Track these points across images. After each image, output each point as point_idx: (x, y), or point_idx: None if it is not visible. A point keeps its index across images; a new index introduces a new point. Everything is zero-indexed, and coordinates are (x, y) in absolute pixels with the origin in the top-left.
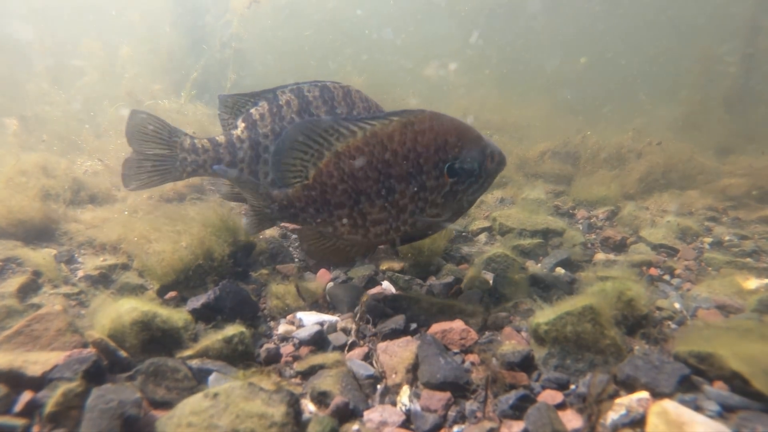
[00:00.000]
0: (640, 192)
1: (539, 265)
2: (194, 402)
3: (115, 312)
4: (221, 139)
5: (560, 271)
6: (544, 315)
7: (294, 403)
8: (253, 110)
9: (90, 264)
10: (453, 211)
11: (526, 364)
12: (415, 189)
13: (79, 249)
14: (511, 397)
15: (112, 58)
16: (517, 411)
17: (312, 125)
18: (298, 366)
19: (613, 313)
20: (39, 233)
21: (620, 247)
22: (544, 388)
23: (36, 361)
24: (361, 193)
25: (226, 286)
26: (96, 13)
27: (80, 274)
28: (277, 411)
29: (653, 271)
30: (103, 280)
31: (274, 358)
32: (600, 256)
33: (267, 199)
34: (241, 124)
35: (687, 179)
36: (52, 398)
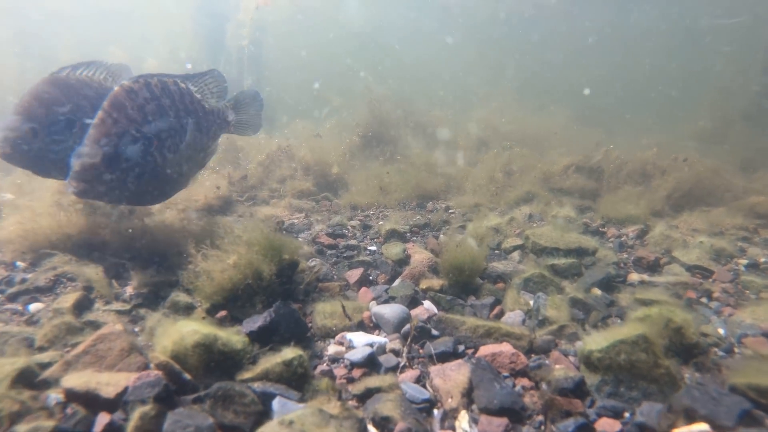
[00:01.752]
0: (667, 209)
1: (574, 285)
2: (271, 429)
3: (177, 334)
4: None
5: (596, 291)
6: (596, 342)
7: (363, 430)
8: None
9: (138, 280)
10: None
11: (578, 390)
12: None
13: (126, 263)
14: (570, 424)
15: (137, 66)
16: None
17: None
18: (354, 388)
19: (663, 341)
20: (88, 247)
21: (654, 267)
22: (599, 415)
23: (108, 383)
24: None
25: (280, 308)
26: (120, 19)
27: (129, 290)
28: None
29: (690, 294)
30: (152, 297)
31: (329, 380)
32: (634, 276)
33: None
34: None
35: (714, 197)
36: (131, 422)
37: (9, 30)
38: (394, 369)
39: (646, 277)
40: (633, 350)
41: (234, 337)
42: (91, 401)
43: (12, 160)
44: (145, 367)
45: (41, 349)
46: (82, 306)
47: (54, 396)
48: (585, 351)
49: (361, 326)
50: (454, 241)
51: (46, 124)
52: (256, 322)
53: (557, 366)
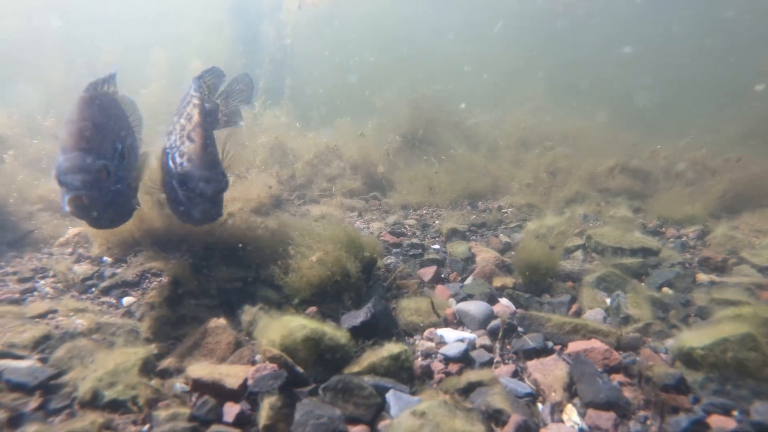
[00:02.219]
0: (721, 210)
1: (644, 284)
2: (407, 420)
3: (284, 328)
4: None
5: (667, 291)
6: (697, 339)
7: (487, 422)
8: None
9: (221, 275)
10: None
11: (680, 386)
12: None
13: (206, 259)
14: (683, 420)
15: (180, 70)
16: None
17: None
18: (455, 382)
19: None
20: (166, 243)
21: (722, 268)
22: (707, 412)
23: (229, 374)
24: None
25: (377, 304)
26: (158, 23)
27: (213, 286)
28: (479, 429)
29: (767, 295)
30: (236, 292)
31: (428, 374)
32: (702, 276)
33: None
34: None
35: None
36: (263, 411)
37: (55, 36)
38: (488, 364)
39: (715, 277)
40: (740, 348)
41: (338, 332)
42: (217, 391)
43: (91, 211)
44: (254, 360)
45: (148, 341)
46: (173, 300)
47: (179, 385)
48: (684, 348)
49: (445, 323)
50: (528, 240)
51: (111, 157)
52: (357, 317)
53: (650, 362)
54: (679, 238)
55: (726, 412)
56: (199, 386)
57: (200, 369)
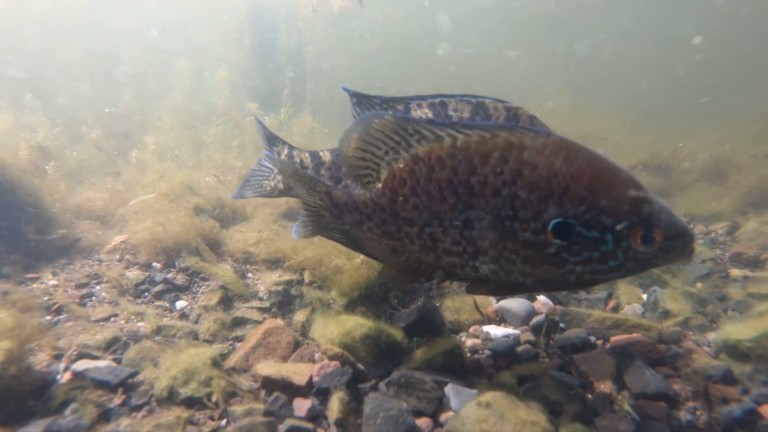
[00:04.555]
0: (748, 206)
1: (678, 280)
2: (474, 411)
3: (342, 327)
4: (326, 157)
5: (699, 286)
6: (743, 332)
7: (546, 411)
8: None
9: (267, 279)
10: (554, 280)
11: (727, 378)
12: (499, 235)
13: (246, 265)
14: (735, 409)
15: (201, 79)
16: (743, 423)
17: (392, 119)
18: (506, 376)
19: None
20: (208, 249)
21: (754, 263)
22: (758, 403)
23: (295, 372)
24: (433, 215)
25: (427, 303)
26: (177, 33)
27: (261, 288)
28: (541, 418)
29: None
30: (286, 294)
31: (479, 369)
32: (735, 272)
33: (326, 200)
34: None
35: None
36: (333, 405)
37: (80, 50)
38: (534, 358)
39: (748, 272)
40: None
41: (393, 329)
42: (285, 387)
43: None
44: (313, 358)
45: (208, 342)
46: (225, 304)
47: (248, 383)
48: (730, 341)
49: (488, 320)
50: None
51: None
52: (411, 316)
53: (694, 355)
54: (708, 234)
55: None
56: (269, 383)
57: (267, 367)
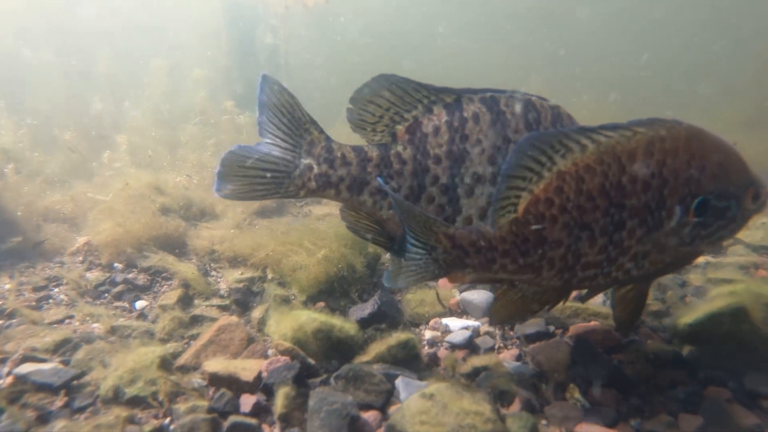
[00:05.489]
0: None
1: None
2: (417, 402)
3: (295, 322)
4: (372, 152)
5: None
6: (692, 316)
7: (493, 401)
8: (425, 119)
9: (229, 277)
10: (680, 259)
11: (678, 362)
12: (649, 228)
13: (210, 263)
14: (680, 393)
15: (179, 78)
16: (688, 405)
17: (538, 139)
18: (461, 368)
19: (761, 315)
20: (171, 248)
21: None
22: (704, 385)
23: (244, 368)
24: (584, 228)
25: (384, 296)
26: (155, 33)
27: (223, 286)
28: (486, 408)
29: (763, 273)
30: (247, 292)
31: (435, 361)
32: (699, 258)
33: (446, 242)
34: (402, 135)
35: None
36: (278, 400)
37: (52, 47)
38: (491, 349)
39: (710, 258)
40: (733, 322)
41: (347, 324)
42: (233, 384)
43: None
44: (266, 354)
45: (163, 341)
46: (185, 302)
47: (196, 380)
48: (680, 325)
49: (449, 312)
50: None
51: None
52: (365, 309)
53: (649, 341)
54: None
55: (722, 383)
56: (216, 380)
57: (216, 364)
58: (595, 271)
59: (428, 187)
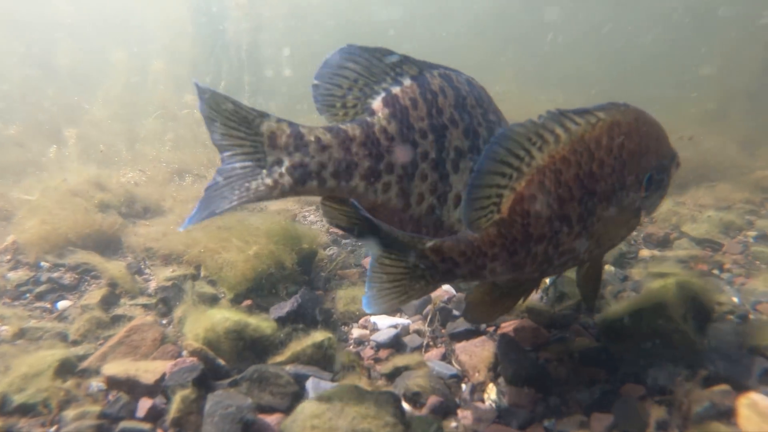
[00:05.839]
0: (672, 187)
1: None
2: (311, 406)
3: (208, 322)
4: (353, 131)
5: (609, 268)
6: (616, 312)
7: (398, 404)
8: (397, 90)
9: (160, 275)
10: (630, 231)
11: (601, 359)
12: (614, 209)
13: (145, 260)
14: (596, 391)
15: (141, 71)
16: (603, 404)
17: (514, 133)
18: (382, 368)
19: (681, 309)
20: (104, 246)
21: (664, 242)
22: (623, 382)
23: (147, 370)
24: (563, 219)
25: (305, 294)
26: (120, 25)
27: (153, 284)
28: (387, 411)
29: (702, 266)
30: (176, 290)
31: (357, 361)
32: (645, 252)
33: (433, 257)
34: (381, 109)
35: (719, 173)
36: (173, 404)
37: (12, 40)
38: (419, 348)
39: (656, 252)
40: (653, 317)
41: (263, 323)
42: (132, 387)
43: None
44: (179, 355)
45: (75, 343)
46: (108, 301)
47: (96, 384)
48: (606, 321)
49: None
50: None
51: None
52: (284, 308)
53: (578, 338)
54: None
55: (640, 380)
56: (115, 384)
57: (116, 366)
58: (568, 257)
59: (420, 164)
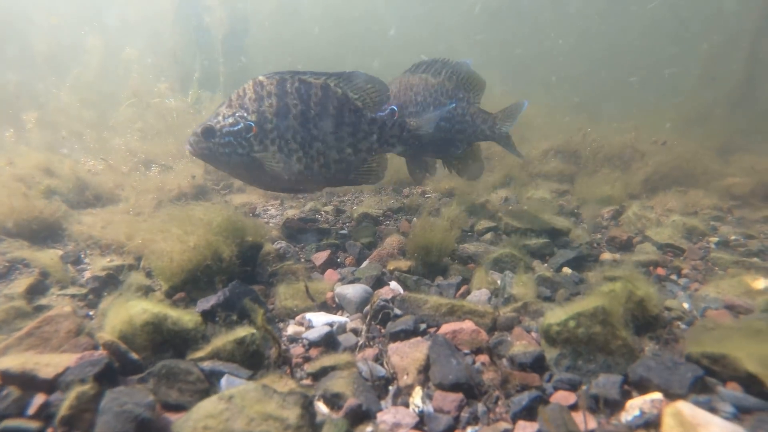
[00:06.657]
0: (644, 191)
1: (546, 264)
2: (209, 405)
3: (126, 314)
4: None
5: (567, 271)
6: (555, 316)
7: (308, 405)
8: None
9: (97, 265)
10: None
11: (537, 364)
12: None
13: (85, 250)
14: (524, 398)
15: (116, 59)
16: (531, 412)
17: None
18: (309, 367)
19: (623, 314)
20: (44, 234)
21: (627, 246)
22: (556, 389)
23: (48, 364)
24: None
25: (235, 287)
26: (100, 14)
27: (87, 275)
28: (292, 413)
29: (660, 271)
30: (110, 281)
31: (286, 359)
32: (606, 255)
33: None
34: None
35: (691, 178)
36: (65, 401)
37: None
38: (352, 348)
39: (618, 256)
40: (591, 323)
41: (185, 316)
42: (28, 382)
43: None
44: (94, 348)
45: None
46: (35, 291)
47: None
48: (545, 325)
49: (324, 307)
50: (424, 222)
51: None
52: (209, 301)
53: (518, 342)
54: (594, 218)
55: (574, 387)
56: (8, 378)
57: (11, 359)
58: None
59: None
